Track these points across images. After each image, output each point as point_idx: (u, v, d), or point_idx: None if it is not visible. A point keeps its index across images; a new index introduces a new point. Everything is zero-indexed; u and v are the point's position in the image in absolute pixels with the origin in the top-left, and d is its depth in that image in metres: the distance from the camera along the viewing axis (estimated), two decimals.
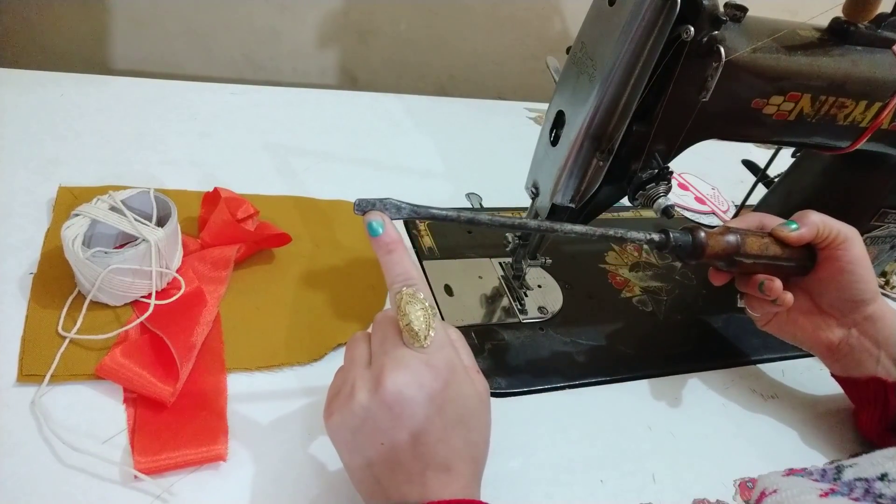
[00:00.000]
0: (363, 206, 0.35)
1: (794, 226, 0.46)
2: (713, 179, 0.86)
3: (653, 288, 0.63)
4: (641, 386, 0.52)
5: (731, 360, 0.57)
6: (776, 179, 0.68)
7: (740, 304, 0.52)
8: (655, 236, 0.44)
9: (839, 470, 0.34)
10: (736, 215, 0.72)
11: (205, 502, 0.36)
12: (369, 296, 0.53)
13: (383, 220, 0.35)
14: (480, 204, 0.69)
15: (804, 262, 0.48)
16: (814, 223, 0.46)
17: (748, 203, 0.70)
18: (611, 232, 0.42)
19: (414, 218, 0.36)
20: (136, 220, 0.45)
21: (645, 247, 0.69)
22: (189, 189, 0.59)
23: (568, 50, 0.44)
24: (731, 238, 0.45)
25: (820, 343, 0.50)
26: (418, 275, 0.35)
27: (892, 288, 0.71)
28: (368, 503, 0.34)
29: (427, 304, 0.33)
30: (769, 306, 0.48)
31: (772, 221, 0.48)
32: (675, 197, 0.79)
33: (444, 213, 0.37)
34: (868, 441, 0.50)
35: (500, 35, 1.00)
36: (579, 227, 0.40)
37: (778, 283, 0.46)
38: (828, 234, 0.46)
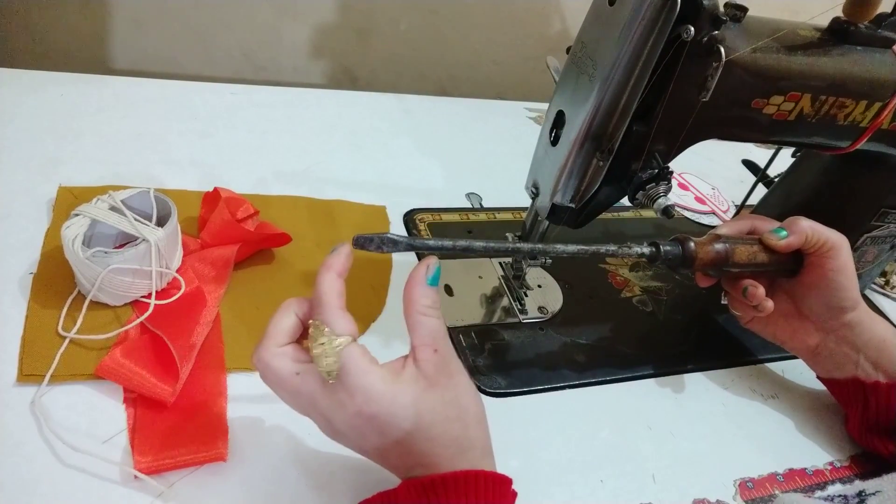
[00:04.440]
0: (362, 242, 0.34)
1: (783, 233, 0.46)
2: (713, 179, 0.86)
3: (653, 288, 0.63)
4: (641, 386, 0.52)
5: (731, 359, 0.57)
6: (776, 179, 0.68)
7: (724, 301, 0.53)
8: (646, 250, 0.44)
9: (862, 500, 0.34)
10: (736, 215, 0.72)
11: (205, 502, 0.36)
12: (370, 296, 0.53)
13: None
14: (480, 204, 0.69)
15: (790, 267, 0.48)
16: (802, 230, 0.46)
17: (748, 203, 0.70)
18: (602, 249, 0.42)
19: (410, 250, 0.36)
20: (136, 219, 0.45)
21: None
22: (189, 189, 0.59)
23: (568, 50, 0.44)
24: (720, 247, 0.46)
25: (799, 345, 0.51)
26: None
27: (893, 288, 0.71)
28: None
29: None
30: (751, 310, 0.49)
31: (763, 224, 0.48)
32: (675, 197, 0.79)
33: (439, 243, 0.37)
34: (854, 442, 0.51)
35: (500, 35, 1.00)
36: (571, 247, 0.41)
37: (761, 291, 0.47)
38: (816, 241, 0.46)
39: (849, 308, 0.47)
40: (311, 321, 0.33)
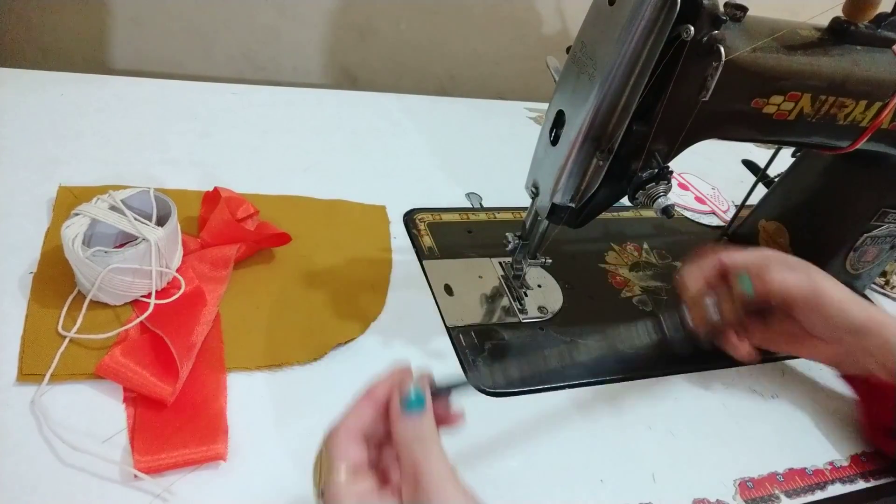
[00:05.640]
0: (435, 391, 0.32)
1: (748, 287, 0.47)
2: (713, 179, 0.86)
3: (653, 288, 0.63)
4: (641, 386, 0.52)
5: (732, 359, 0.57)
6: (776, 179, 0.68)
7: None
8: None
9: None
10: (736, 215, 0.72)
11: (205, 502, 0.36)
12: (370, 295, 0.53)
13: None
14: (480, 204, 0.69)
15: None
16: (769, 284, 0.46)
17: (748, 203, 0.70)
18: None
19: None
20: (135, 219, 0.45)
21: (645, 246, 0.69)
22: (189, 189, 0.59)
23: (568, 50, 0.44)
24: (713, 315, 0.48)
25: (814, 356, 0.51)
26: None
27: (893, 288, 0.71)
28: None
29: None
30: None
31: (728, 258, 0.48)
32: (675, 197, 0.79)
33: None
34: (860, 436, 0.51)
35: (500, 35, 1.00)
36: None
37: (743, 348, 0.49)
38: (783, 300, 0.47)
39: (853, 323, 0.46)
40: (326, 433, 0.32)
